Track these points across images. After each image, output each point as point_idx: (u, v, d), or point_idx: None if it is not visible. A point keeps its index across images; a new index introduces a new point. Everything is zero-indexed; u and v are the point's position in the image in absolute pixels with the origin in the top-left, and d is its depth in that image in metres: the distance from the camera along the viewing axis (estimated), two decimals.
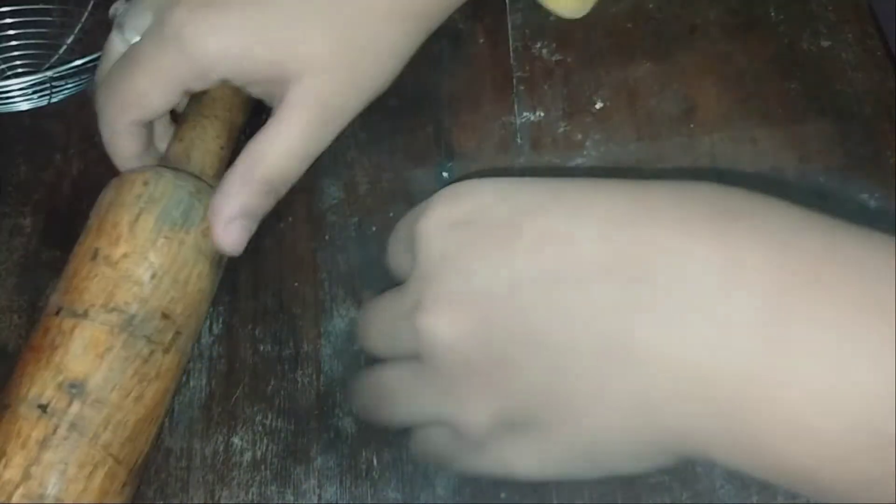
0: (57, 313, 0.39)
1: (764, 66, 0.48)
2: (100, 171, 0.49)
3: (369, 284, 0.44)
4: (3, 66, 0.53)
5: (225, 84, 0.45)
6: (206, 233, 0.42)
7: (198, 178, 0.43)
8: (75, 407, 0.37)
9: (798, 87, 0.47)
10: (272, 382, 0.43)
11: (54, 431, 0.36)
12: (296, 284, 0.45)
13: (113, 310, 0.38)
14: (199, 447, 0.42)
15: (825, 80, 0.47)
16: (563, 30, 0.50)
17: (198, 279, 0.42)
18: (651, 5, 0.50)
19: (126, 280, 0.39)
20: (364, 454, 0.41)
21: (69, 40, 0.54)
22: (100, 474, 0.37)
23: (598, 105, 0.48)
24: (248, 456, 0.41)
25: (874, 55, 0.47)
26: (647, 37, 0.49)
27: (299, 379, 0.43)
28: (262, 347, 0.44)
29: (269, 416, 0.42)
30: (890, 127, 0.45)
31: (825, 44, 0.48)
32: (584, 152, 0.46)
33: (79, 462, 0.37)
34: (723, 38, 0.48)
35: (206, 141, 0.45)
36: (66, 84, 0.50)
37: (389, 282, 0.44)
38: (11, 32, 0.54)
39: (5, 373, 0.44)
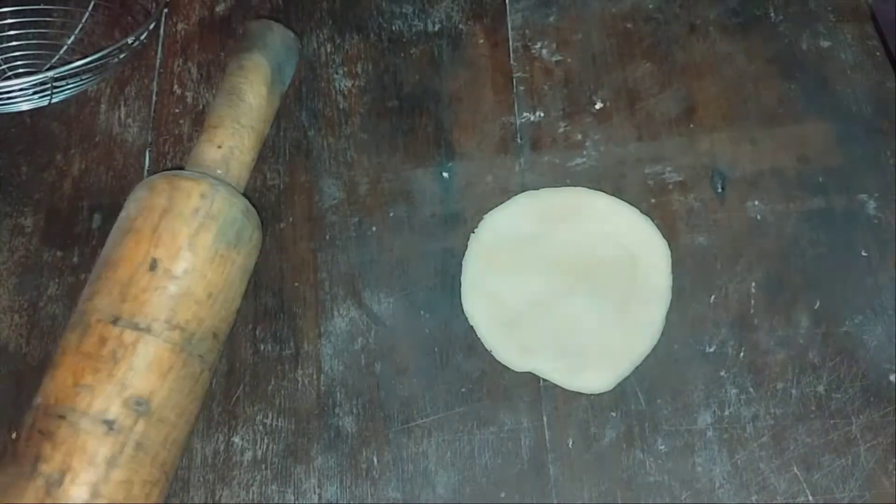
0: (114, 323, 0.38)
1: (763, 66, 0.48)
2: (100, 171, 0.50)
3: (369, 284, 0.44)
4: (4, 67, 0.54)
5: (262, 92, 0.45)
6: (250, 253, 0.42)
7: (241, 193, 0.43)
8: (140, 425, 0.37)
9: (797, 87, 0.47)
10: (272, 382, 0.43)
11: (121, 450, 0.36)
12: (296, 284, 0.45)
13: (175, 327, 0.38)
14: (199, 446, 0.42)
15: (824, 80, 0.47)
16: (563, 30, 0.50)
17: (238, 299, 0.42)
18: (651, 5, 0.50)
19: (187, 298, 0.39)
20: (364, 454, 0.41)
21: (70, 41, 0.54)
22: (156, 492, 0.38)
23: (598, 105, 0.48)
24: (248, 455, 0.41)
25: (873, 56, 0.47)
26: (646, 37, 0.49)
27: (300, 378, 0.43)
28: (262, 347, 0.44)
29: (270, 416, 0.42)
30: (889, 127, 0.45)
31: (824, 44, 0.48)
32: (584, 152, 0.46)
33: (142, 481, 0.37)
34: (722, 39, 0.49)
35: (244, 152, 0.45)
36: (67, 84, 0.50)
37: (388, 281, 0.44)
38: (12, 33, 0.54)
39: (9, 372, 0.44)
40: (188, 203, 0.40)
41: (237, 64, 0.46)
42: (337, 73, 0.51)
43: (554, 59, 0.49)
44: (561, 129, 0.47)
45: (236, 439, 0.42)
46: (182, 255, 0.39)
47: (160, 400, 0.37)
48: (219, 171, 0.43)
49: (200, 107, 0.51)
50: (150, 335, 0.38)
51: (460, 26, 0.51)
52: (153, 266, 0.39)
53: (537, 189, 0.45)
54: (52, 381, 0.37)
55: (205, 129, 0.45)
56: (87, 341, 0.37)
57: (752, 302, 0.42)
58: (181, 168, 0.46)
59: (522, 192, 0.45)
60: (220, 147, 0.44)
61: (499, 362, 0.42)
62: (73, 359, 0.37)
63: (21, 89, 0.49)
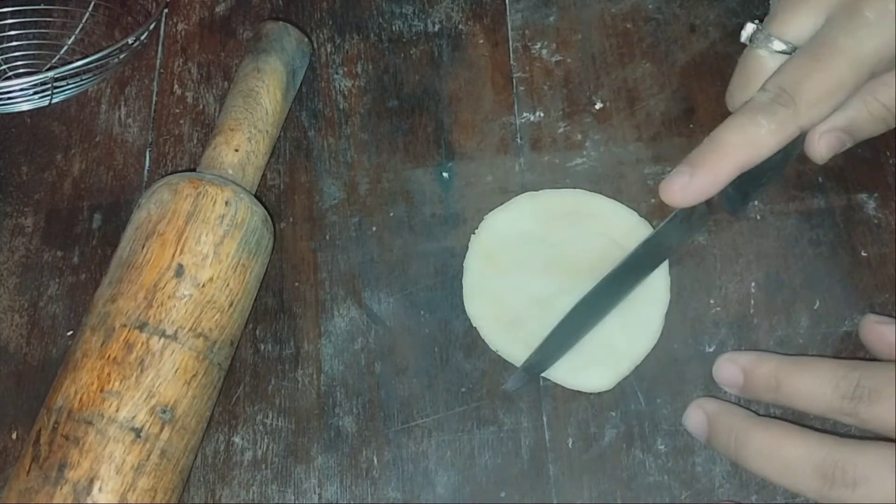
0: (141, 329, 0.38)
1: None
2: (101, 171, 0.50)
3: (369, 284, 0.45)
4: (5, 67, 0.54)
5: (277, 97, 0.45)
6: (265, 262, 0.43)
7: (258, 199, 0.44)
8: (165, 433, 0.37)
9: None
10: (273, 382, 0.43)
11: (147, 458, 0.36)
12: (296, 284, 0.45)
13: (199, 335, 0.38)
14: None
15: None
16: (562, 30, 0.50)
17: (251, 306, 0.43)
18: (651, 6, 0.50)
19: (211, 306, 0.39)
20: (364, 453, 0.41)
21: (70, 41, 0.54)
22: (174, 498, 0.38)
23: (598, 105, 0.48)
24: (248, 455, 0.42)
25: None
26: (646, 37, 0.49)
27: (300, 378, 0.43)
28: (262, 347, 0.44)
29: (270, 416, 0.42)
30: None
31: None
32: (584, 152, 0.47)
33: (164, 489, 0.37)
34: (722, 39, 0.49)
35: (258, 157, 0.45)
36: (68, 84, 0.50)
37: (388, 281, 0.44)
38: (13, 33, 0.54)
39: (9, 372, 0.44)
40: (213, 210, 0.40)
41: (254, 66, 0.46)
42: (337, 73, 0.51)
43: (554, 59, 0.49)
44: (561, 129, 0.47)
45: (236, 439, 0.42)
46: (208, 263, 0.39)
47: (184, 408, 0.38)
48: (233, 175, 0.43)
49: (201, 107, 0.51)
50: (176, 343, 0.38)
51: (460, 26, 0.51)
52: (179, 272, 0.39)
53: (537, 189, 0.45)
54: (73, 384, 0.37)
55: (220, 131, 0.44)
56: (113, 346, 0.37)
57: (752, 302, 0.42)
58: (192, 170, 0.46)
59: (522, 192, 0.45)
60: (237, 150, 0.44)
61: (499, 362, 0.42)
62: (98, 363, 0.37)
63: (21, 89, 0.49)
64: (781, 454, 0.34)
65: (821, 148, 0.41)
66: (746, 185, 0.40)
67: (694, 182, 0.39)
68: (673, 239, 0.42)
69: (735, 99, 0.42)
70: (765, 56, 0.41)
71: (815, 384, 0.35)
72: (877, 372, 0.34)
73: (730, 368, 0.38)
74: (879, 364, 0.35)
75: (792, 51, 0.40)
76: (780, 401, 0.37)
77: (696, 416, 0.38)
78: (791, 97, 0.38)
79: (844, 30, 0.38)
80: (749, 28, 0.42)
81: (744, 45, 0.43)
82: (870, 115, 0.40)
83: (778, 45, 0.40)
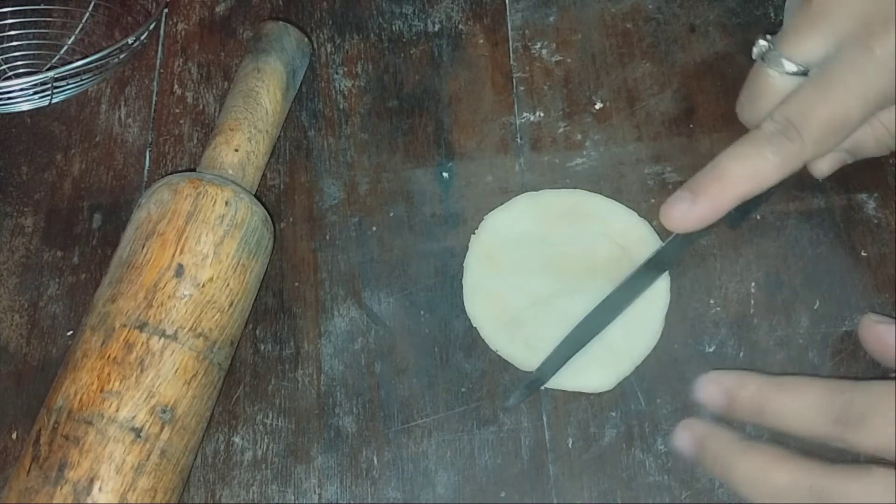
0: (141, 329, 0.38)
1: None
2: (100, 171, 0.50)
3: (369, 284, 0.45)
4: (5, 67, 0.54)
5: (277, 97, 0.45)
6: (265, 262, 0.43)
7: (258, 199, 0.44)
8: (166, 433, 0.37)
9: None
10: (273, 382, 0.43)
11: (147, 458, 0.36)
12: (296, 284, 0.45)
13: (199, 335, 0.38)
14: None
15: None
16: (562, 30, 0.50)
17: (251, 306, 0.43)
18: (651, 6, 0.50)
19: (211, 306, 0.39)
20: (364, 453, 0.41)
21: (70, 41, 0.54)
22: (175, 498, 0.38)
23: (598, 105, 0.48)
24: (248, 455, 0.42)
25: None
26: (646, 37, 0.49)
27: (300, 378, 0.43)
28: (262, 347, 0.44)
29: (270, 416, 0.42)
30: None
31: None
32: (584, 152, 0.47)
33: (164, 489, 0.37)
34: (722, 39, 0.49)
35: (258, 157, 0.45)
36: (68, 84, 0.50)
37: (388, 281, 0.44)
38: (13, 33, 0.54)
39: (9, 372, 0.44)
40: (213, 210, 0.40)
41: (254, 66, 0.46)
42: (337, 73, 0.51)
43: (554, 59, 0.49)
44: (561, 129, 0.47)
45: (236, 439, 0.42)
46: (208, 263, 0.39)
47: (184, 408, 0.38)
48: (233, 175, 0.43)
49: (201, 107, 0.51)
50: (176, 343, 0.38)
51: (460, 26, 0.51)
52: (179, 272, 0.39)
53: (537, 189, 0.45)
54: (73, 384, 0.37)
55: (220, 131, 0.44)
56: (113, 346, 0.37)
57: (752, 302, 0.42)
58: (192, 170, 0.46)
59: (522, 191, 0.45)
60: (237, 150, 0.44)
61: (499, 362, 0.42)
62: (98, 363, 0.37)
63: (21, 89, 0.49)
64: (769, 482, 0.34)
65: (822, 165, 0.41)
66: (746, 204, 0.40)
67: (695, 210, 0.38)
68: (672, 255, 0.42)
69: (745, 112, 0.42)
70: (775, 75, 0.40)
71: (800, 409, 0.35)
72: (863, 394, 0.34)
73: (713, 390, 0.38)
74: (865, 385, 0.35)
75: (803, 73, 0.39)
76: (766, 425, 0.36)
77: (685, 440, 0.38)
78: (798, 132, 0.38)
79: (853, 67, 0.37)
80: (761, 45, 0.41)
81: (745, 48, 0.42)
82: (874, 138, 0.40)
83: (789, 67, 0.39)
